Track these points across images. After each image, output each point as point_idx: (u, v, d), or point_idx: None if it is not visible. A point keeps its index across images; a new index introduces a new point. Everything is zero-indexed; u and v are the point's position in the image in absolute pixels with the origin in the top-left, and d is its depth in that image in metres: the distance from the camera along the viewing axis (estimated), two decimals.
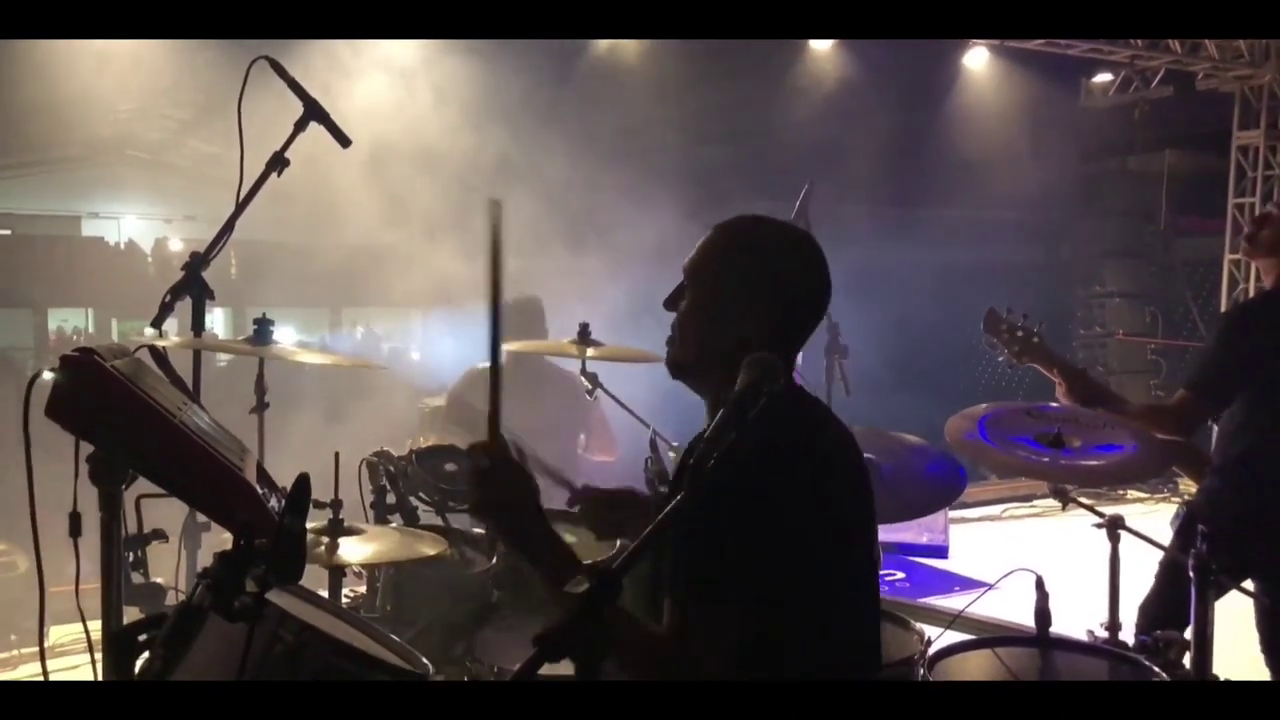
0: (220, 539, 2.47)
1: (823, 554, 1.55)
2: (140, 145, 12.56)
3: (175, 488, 1.90)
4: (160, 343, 2.54)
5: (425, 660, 1.80)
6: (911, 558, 5.76)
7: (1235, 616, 2.97)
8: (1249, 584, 3.01)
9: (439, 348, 7.57)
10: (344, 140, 2.87)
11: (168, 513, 2.33)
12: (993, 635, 2.51)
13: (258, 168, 2.74)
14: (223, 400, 2.77)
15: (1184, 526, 3.17)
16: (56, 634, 3.63)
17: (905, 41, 7.55)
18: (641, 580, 1.57)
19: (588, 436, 4.31)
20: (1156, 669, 2.32)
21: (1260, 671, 3.15)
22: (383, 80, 6.45)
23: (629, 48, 7.85)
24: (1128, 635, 2.71)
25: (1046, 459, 2.73)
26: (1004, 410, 2.91)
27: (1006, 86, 9.29)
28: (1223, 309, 9.56)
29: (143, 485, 1.95)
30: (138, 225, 15.02)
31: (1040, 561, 2.53)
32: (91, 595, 1.85)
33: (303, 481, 1.44)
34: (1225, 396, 3.10)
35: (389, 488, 2.92)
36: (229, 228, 2.73)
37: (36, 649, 2.02)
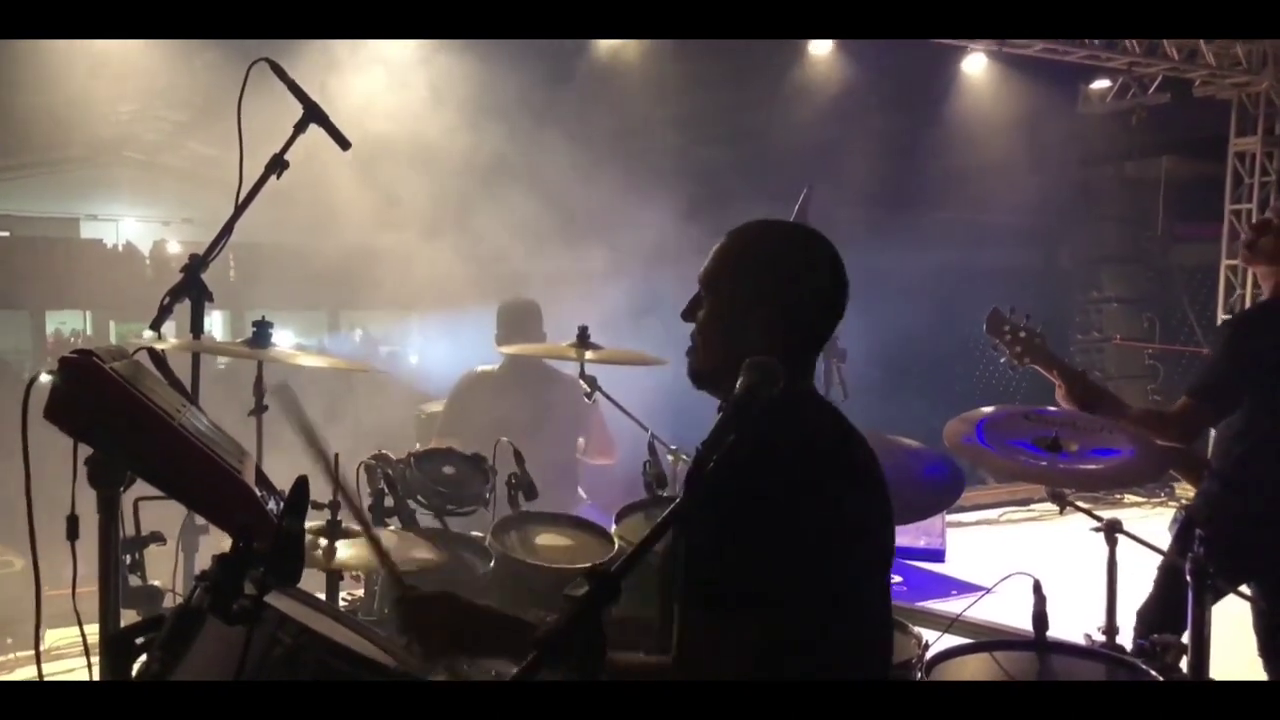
0: (218, 542, 2.46)
1: (824, 555, 1.54)
2: (138, 147, 12.54)
3: (173, 490, 1.90)
4: (159, 345, 2.53)
5: (423, 663, 1.79)
6: (909, 561, 5.75)
7: (1233, 620, 2.98)
8: (1246, 588, 3.02)
9: (436, 351, 7.57)
10: (344, 143, 2.86)
11: (165, 515, 2.33)
12: (990, 639, 2.51)
13: (256, 170, 2.74)
14: (221, 403, 2.77)
15: (1182, 531, 3.17)
16: (53, 637, 3.60)
17: (904, 46, 7.55)
18: (650, 571, 1.57)
19: (587, 439, 4.30)
20: (1154, 673, 2.32)
21: (1257, 675, 3.16)
22: (381, 80, 6.44)
23: (628, 48, 7.83)
24: (1125, 639, 2.72)
25: (1044, 463, 2.72)
26: (1002, 414, 2.91)
27: (1005, 92, 9.29)
28: (1219, 314, 9.58)
29: (141, 488, 1.95)
30: (136, 227, 14.98)
31: (1038, 565, 2.54)
32: (89, 598, 1.85)
33: (301, 484, 1.44)
34: (1228, 403, 3.11)
35: (387, 491, 2.92)
36: (228, 230, 2.72)
37: (33, 652, 2.01)
